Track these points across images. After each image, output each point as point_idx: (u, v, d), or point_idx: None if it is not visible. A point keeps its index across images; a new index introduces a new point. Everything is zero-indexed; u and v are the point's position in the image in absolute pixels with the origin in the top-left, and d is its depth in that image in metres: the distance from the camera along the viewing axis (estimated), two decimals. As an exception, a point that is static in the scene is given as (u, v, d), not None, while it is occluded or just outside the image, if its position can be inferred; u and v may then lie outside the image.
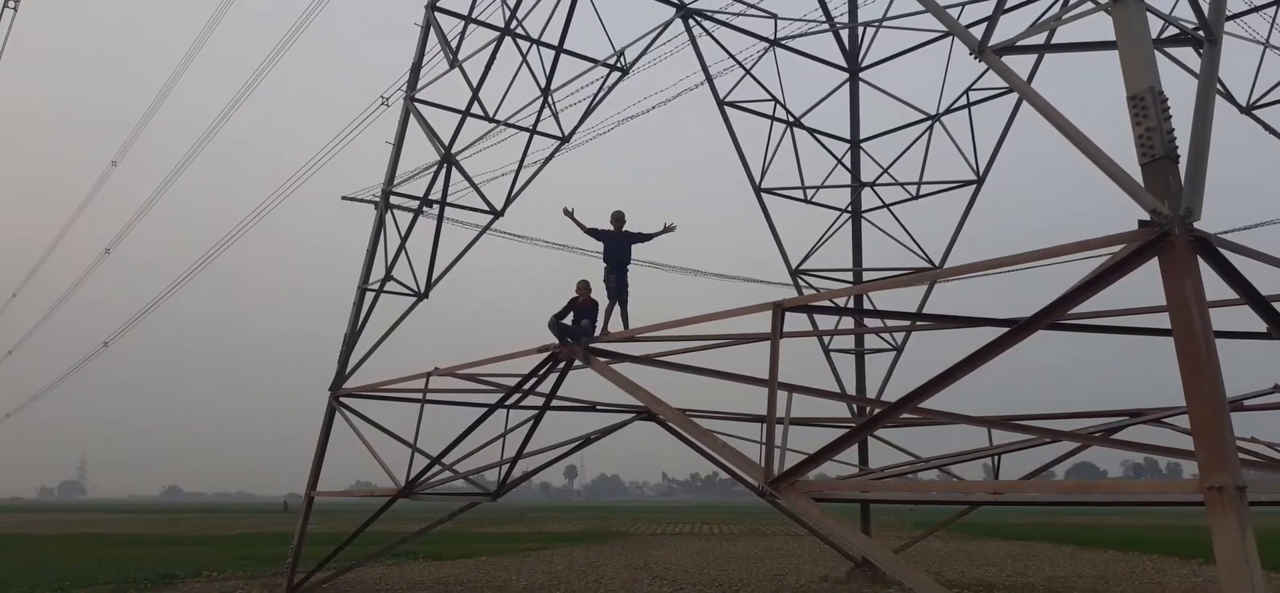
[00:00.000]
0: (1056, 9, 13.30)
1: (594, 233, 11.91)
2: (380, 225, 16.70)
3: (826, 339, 17.40)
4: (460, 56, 15.92)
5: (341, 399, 16.10)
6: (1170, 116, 6.22)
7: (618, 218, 12.05)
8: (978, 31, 7.67)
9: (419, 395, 14.13)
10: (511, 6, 15.37)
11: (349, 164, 19.56)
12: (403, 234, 16.41)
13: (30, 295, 43.79)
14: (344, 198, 19.27)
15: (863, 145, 19.17)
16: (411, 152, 17.34)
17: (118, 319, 30.77)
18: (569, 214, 11.74)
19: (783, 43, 18.05)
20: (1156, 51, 6.75)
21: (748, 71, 17.93)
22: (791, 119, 18.50)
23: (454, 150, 16.12)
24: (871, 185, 18.69)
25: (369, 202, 17.75)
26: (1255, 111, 15.02)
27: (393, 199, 16.73)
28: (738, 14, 17.35)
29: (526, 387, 12.54)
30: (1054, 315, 6.39)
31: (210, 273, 24.64)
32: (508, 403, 13.47)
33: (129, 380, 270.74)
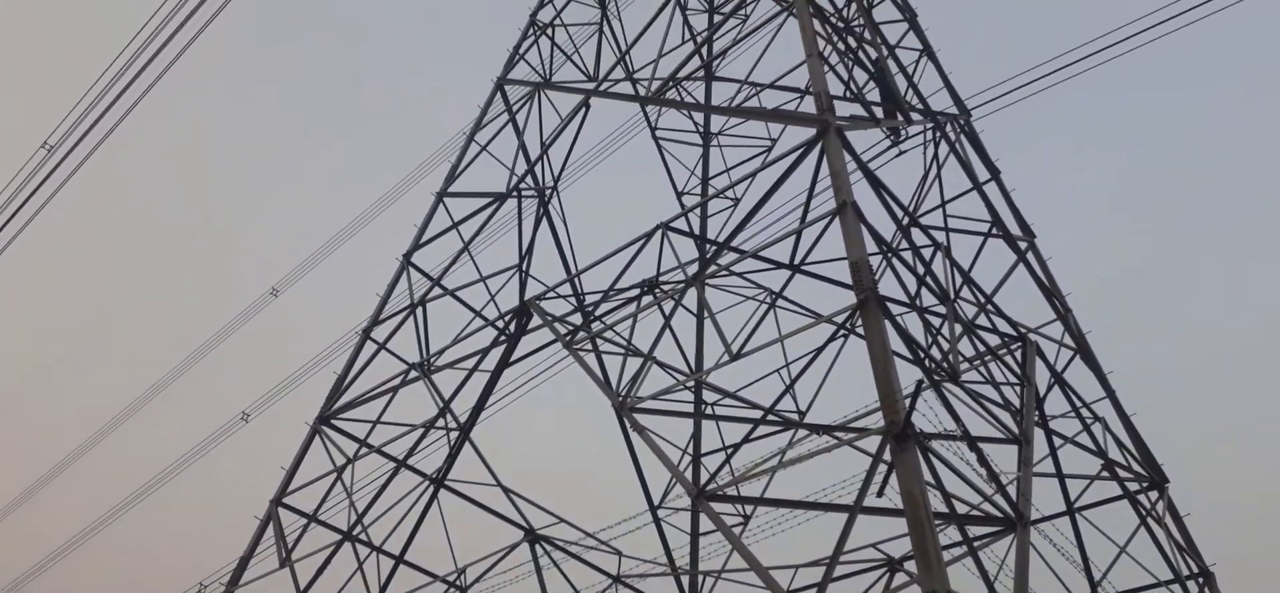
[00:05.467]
0: None
1: None
2: None
3: None
4: (294, 555, 15.13)
5: None
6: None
7: None
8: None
9: None
10: (359, 512, 15.11)
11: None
12: None
13: None
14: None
15: (704, 696, 18.43)
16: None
17: None
18: None
19: (624, 580, 18.11)
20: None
21: (591, 604, 17.66)
22: (633, 658, 17.89)
23: (263, 654, 14.58)
24: None
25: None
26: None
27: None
28: (585, 548, 17.55)
29: None
30: None
31: None
32: None
33: None
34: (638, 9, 18.68)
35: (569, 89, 15.91)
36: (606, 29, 17.24)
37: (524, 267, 15.65)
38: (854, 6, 12.61)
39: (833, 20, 11.91)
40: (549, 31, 17.07)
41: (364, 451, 14.67)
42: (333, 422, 15.31)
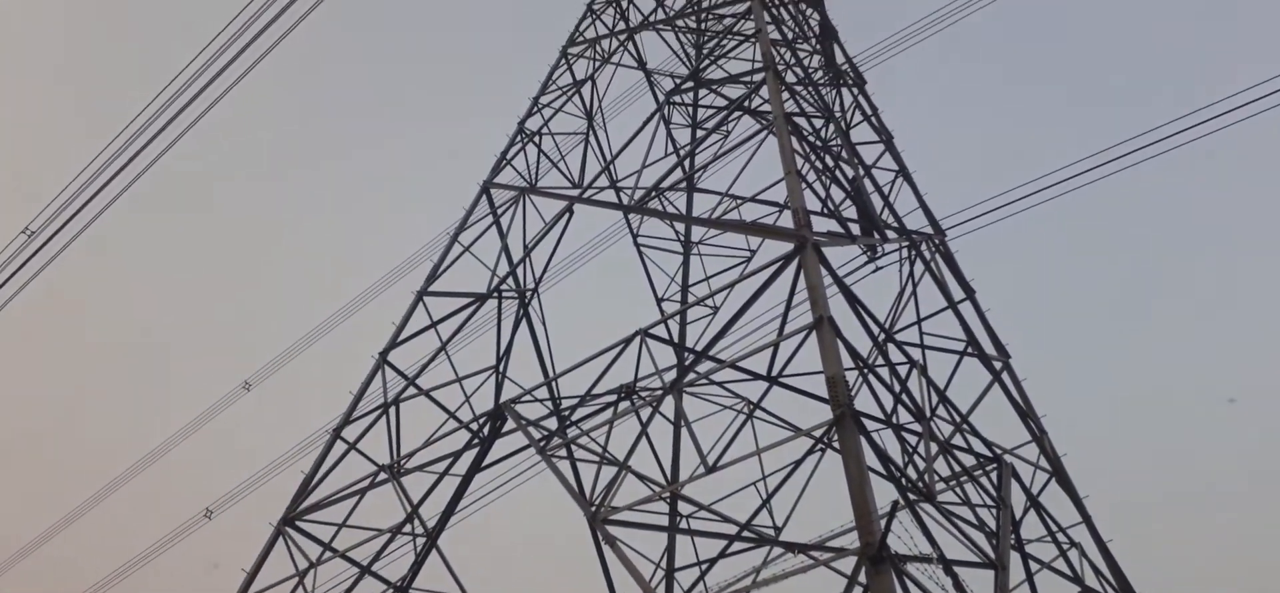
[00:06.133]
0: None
1: None
2: None
3: None
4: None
5: None
6: None
7: None
8: None
9: None
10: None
11: None
12: None
13: None
14: None
15: None
16: None
17: None
18: None
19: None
20: None
21: None
22: None
23: None
24: None
25: None
26: None
27: None
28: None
29: None
30: None
31: None
32: None
33: None
34: (623, 121, 19.14)
35: (554, 195, 16.11)
36: (592, 138, 17.60)
37: (501, 369, 15.55)
38: (832, 127, 12.96)
39: (811, 139, 12.21)
40: (536, 139, 17.39)
41: (328, 555, 14.25)
42: (298, 523, 14.90)
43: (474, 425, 14.78)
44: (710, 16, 17.04)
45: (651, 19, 17.51)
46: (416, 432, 15.26)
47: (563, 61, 18.55)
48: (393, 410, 14.95)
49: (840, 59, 15.79)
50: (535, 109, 18.10)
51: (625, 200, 15.75)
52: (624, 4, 18.31)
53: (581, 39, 17.89)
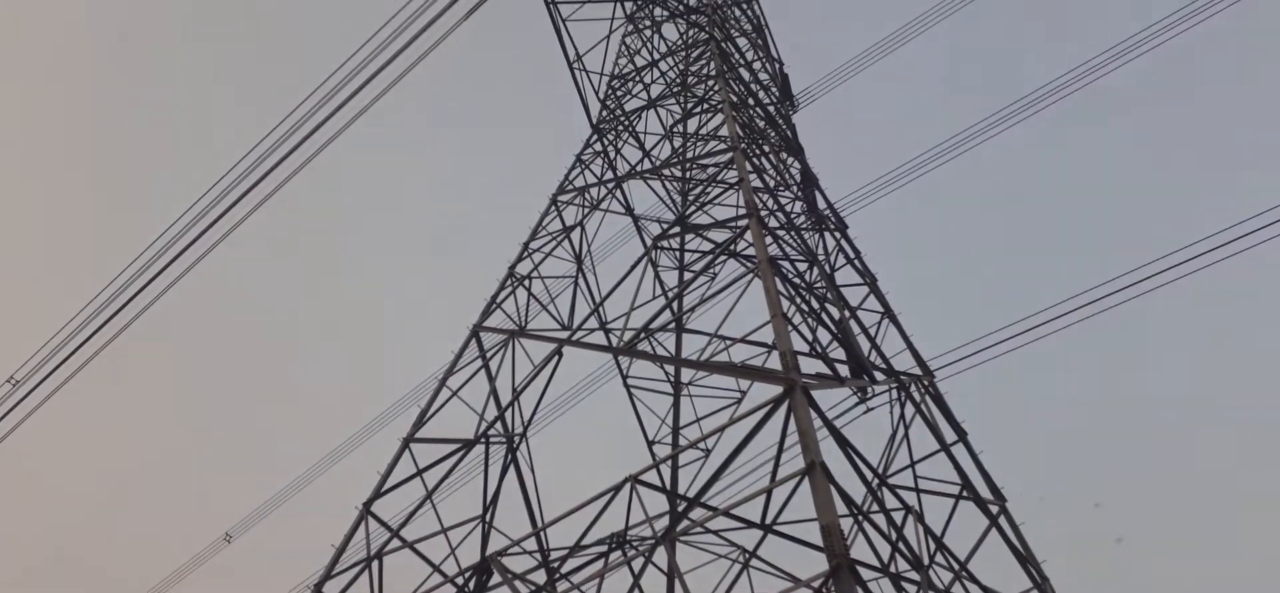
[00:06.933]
0: None
1: None
2: None
3: None
4: None
5: None
6: None
7: None
8: None
9: None
10: None
11: None
12: None
13: None
14: None
15: None
16: None
17: None
18: None
19: None
20: None
21: None
22: None
23: None
24: None
25: None
26: None
27: None
28: None
29: None
30: None
31: None
32: None
33: None
34: (612, 264, 19.40)
35: (543, 337, 16.12)
36: (581, 282, 17.77)
37: (488, 518, 15.17)
38: (816, 270, 13.13)
39: (795, 281, 12.34)
40: (526, 283, 17.54)
41: None
42: (272, 687, 14.19)
43: (459, 580, 14.29)
44: (694, 166, 17.52)
45: (638, 169, 18.01)
46: (401, 585, 14.74)
47: (553, 208, 18.93)
48: (376, 564, 14.47)
49: (821, 204, 16.17)
50: (525, 254, 18.34)
51: (615, 342, 15.77)
52: (612, 155, 18.85)
53: (571, 187, 18.32)
